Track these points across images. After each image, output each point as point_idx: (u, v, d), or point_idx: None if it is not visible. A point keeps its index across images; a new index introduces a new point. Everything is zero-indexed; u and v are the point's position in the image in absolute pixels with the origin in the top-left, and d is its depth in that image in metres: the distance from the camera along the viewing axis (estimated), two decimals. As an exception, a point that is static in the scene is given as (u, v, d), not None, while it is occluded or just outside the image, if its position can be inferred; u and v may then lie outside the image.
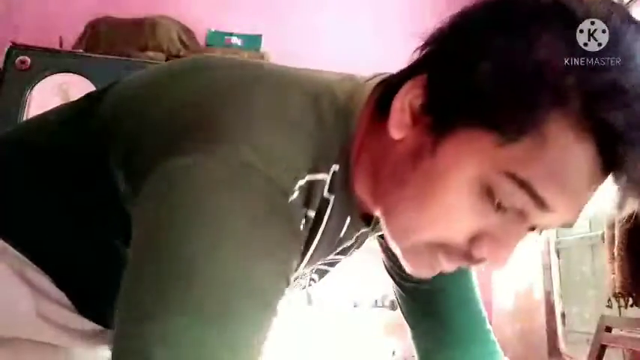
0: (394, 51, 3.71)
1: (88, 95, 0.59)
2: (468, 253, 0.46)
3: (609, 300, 1.87)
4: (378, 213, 0.52)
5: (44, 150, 0.56)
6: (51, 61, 2.28)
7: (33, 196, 0.55)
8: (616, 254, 1.80)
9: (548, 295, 2.55)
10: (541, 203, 0.42)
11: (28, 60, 2.22)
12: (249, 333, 0.38)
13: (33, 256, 0.54)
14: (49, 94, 2.46)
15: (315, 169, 0.46)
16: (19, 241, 0.54)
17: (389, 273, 0.74)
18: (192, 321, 0.35)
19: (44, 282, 0.55)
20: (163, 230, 0.39)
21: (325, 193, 0.48)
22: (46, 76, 2.25)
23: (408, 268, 0.51)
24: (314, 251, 0.52)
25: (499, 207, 0.44)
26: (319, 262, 0.59)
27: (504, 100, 0.42)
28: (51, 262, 0.55)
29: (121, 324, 0.38)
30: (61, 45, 2.53)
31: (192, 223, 0.38)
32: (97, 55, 2.38)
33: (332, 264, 0.64)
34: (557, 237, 2.58)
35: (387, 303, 2.87)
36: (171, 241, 0.38)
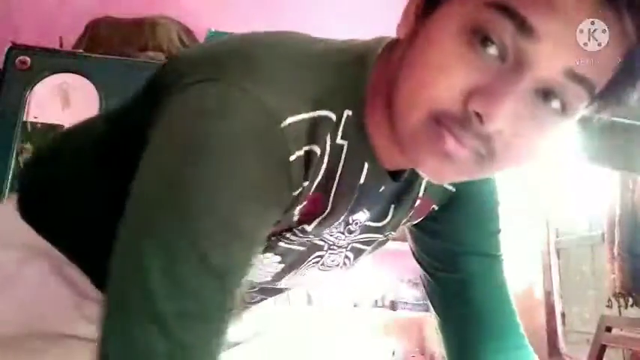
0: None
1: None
2: (466, 117, 0.42)
3: (609, 300, 1.88)
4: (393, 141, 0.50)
5: (106, 135, 0.61)
6: (51, 61, 2.28)
7: (81, 191, 0.60)
8: (616, 254, 1.80)
9: (548, 295, 2.55)
10: (528, 28, 0.40)
11: (28, 60, 2.21)
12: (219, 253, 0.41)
13: (74, 255, 0.58)
14: (49, 94, 2.45)
15: (319, 106, 0.47)
16: (62, 242, 0.58)
17: (419, 262, 0.73)
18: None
19: (84, 281, 0.59)
20: (156, 156, 0.44)
21: (339, 140, 0.49)
22: (46, 76, 2.24)
23: (422, 167, 0.48)
24: (334, 196, 0.52)
25: (487, 44, 0.41)
26: (340, 239, 0.59)
27: None
28: (90, 261, 0.58)
29: (118, 240, 0.42)
30: (61, 45, 2.53)
31: (181, 151, 0.42)
32: (97, 55, 2.38)
33: (367, 242, 0.63)
34: (558, 237, 2.58)
35: (387, 303, 2.87)
36: (161, 167, 0.43)
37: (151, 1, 2.95)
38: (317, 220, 0.53)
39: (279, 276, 0.61)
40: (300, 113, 0.45)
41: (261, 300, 0.71)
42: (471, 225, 0.67)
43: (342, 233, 0.59)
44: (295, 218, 0.52)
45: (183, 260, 0.40)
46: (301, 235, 0.55)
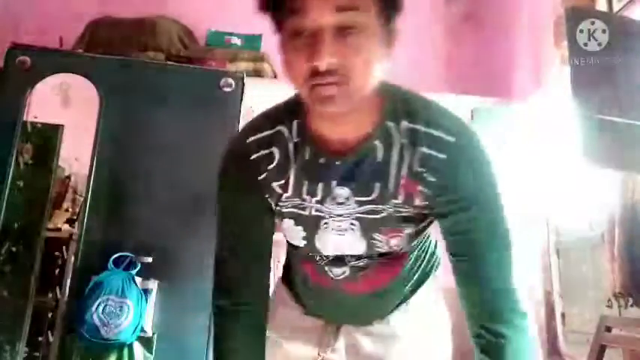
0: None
1: None
2: (312, 70, 0.70)
3: (609, 300, 1.87)
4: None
5: None
6: (51, 61, 2.28)
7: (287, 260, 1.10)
8: (616, 254, 1.80)
9: (548, 295, 2.55)
10: (296, 10, 0.68)
11: (28, 60, 2.22)
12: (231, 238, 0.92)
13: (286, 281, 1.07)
14: (49, 94, 2.45)
15: (276, 125, 0.84)
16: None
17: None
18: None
19: (288, 297, 1.05)
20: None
21: (295, 139, 0.83)
22: (46, 76, 2.25)
23: (310, 100, 0.74)
24: (294, 172, 0.83)
25: (294, 36, 0.71)
26: (335, 209, 0.83)
27: None
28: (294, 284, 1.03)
29: None
30: (61, 45, 2.53)
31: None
32: (97, 55, 2.38)
33: (372, 212, 0.81)
34: (558, 237, 2.58)
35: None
36: None
37: (151, 1, 2.95)
38: (289, 188, 0.84)
39: (308, 240, 0.87)
40: (261, 132, 0.85)
41: (343, 274, 0.90)
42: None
43: (335, 205, 0.82)
44: (278, 190, 0.85)
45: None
46: (291, 200, 0.85)
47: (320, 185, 0.82)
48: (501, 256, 0.79)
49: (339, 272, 0.90)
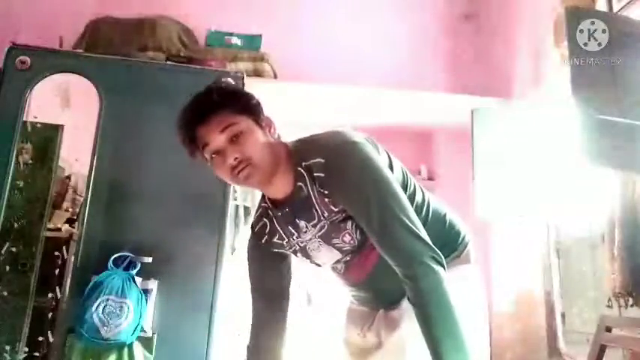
0: (393, 45, 3.71)
1: None
2: (231, 165, 1.05)
3: (609, 300, 1.88)
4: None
5: None
6: (51, 61, 2.28)
7: None
8: (616, 254, 1.80)
9: (548, 295, 2.55)
10: (205, 144, 1.07)
11: (28, 60, 2.22)
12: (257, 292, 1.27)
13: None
14: (49, 94, 2.45)
15: (260, 205, 1.24)
16: None
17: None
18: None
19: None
20: None
21: (268, 207, 1.20)
22: (46, 76, 2.25)
23: (239, 184, 1.12)
24: (277, 226, 1.19)
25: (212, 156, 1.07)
26: (306, 237, 1.16)
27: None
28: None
29: None
30: (61, 45, 2.53)
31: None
32: (97, 55, 2.38)
33: (323, 229, 1.13)
34: (557, 237, 2.58)
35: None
36: None
37: (151, 1, 2.95)
38: (282, 237, 1.20)
39: (311, 260, 1.21)
40: (256, 212, 1.25)
41: (343, 268, 1.22)
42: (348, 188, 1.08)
43: (302, 233, 1.16)
44: (279, 241, 1.21)
45: None
46: (288, 244, 1.21)
47: (290, 227, 1.17)
48: (386, 221, 1.02)
49: (339, 268, 1.23)
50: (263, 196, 1.23)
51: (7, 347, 2.09)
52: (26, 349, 2.16)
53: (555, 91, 2.42)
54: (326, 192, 1.07)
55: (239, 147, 1.04)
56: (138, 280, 2.02)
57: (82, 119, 2.50)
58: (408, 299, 1.01)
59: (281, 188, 1.12)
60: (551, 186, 2.47)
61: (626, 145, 1.52)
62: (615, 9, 1.98)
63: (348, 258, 1.18)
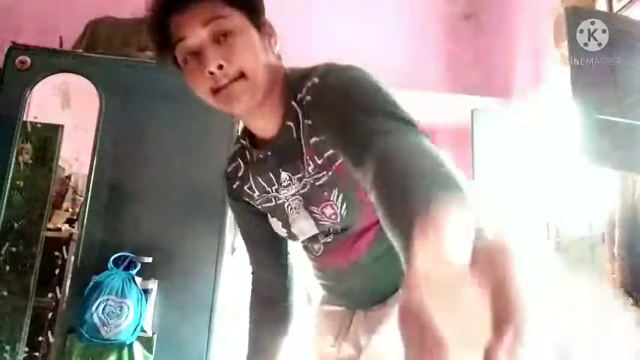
0: (393, 45, 3.71)
1: None
2: (213, 77, 0.81)
3: (609, 300, 1.87)
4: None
5: None
6: (51, 61, 2.28)
7: None
8: (616, 254, 1.80)
9: (548, 295, 2.55)
10: (178, 38, 0.84)
11: (28, 60, 2.22)
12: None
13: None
14: (49, 94, 2.46)
15: (237, 142, 1.02)
16: None
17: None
18: None
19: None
20: None
21: (246, 147, 0.97)
22: (46, 76, 2.25)
23: (218, 106, 0.85)
24: (252, 172, 0.97)
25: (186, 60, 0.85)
26: (288, 192, 0.92)
27: None
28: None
29: None
30: (61, 45, 2.53)
31: None
32: (97, 55, 2.38)
33: (307, 186, 0.89)
34: (558, 237, 2.58)
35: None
36: None
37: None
38: (254, 187, 0.97)
39: (287, 229, 0.96)
40: (232, 149, 1.04)
41: (320, 250, 0.97)
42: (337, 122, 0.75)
43: (284, 188, 0.92)
44: (250, 192, 0.99)
45: None
46: (261, 197, 0.97)
47: (270, 175, 0.92)
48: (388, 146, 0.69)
49: (316, 248, 0.98)
50: (243, 130, 0.97)
51: (7, 347, 2.09)
52: (26, 349, 2.16)
53: (555, 91, 2.42)
54: (314, 125, 0.80)
55: (225, 49, 0.78)
56: (138, 280, 2.02)
57: (82, 119, 2.50)
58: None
59: (268, 124, 0.86)
60: (551, 186, 2.47)
61: (626, 145, 1.52)
62: (615, 9, 1.98)
63: (329, 239, 0.93)
